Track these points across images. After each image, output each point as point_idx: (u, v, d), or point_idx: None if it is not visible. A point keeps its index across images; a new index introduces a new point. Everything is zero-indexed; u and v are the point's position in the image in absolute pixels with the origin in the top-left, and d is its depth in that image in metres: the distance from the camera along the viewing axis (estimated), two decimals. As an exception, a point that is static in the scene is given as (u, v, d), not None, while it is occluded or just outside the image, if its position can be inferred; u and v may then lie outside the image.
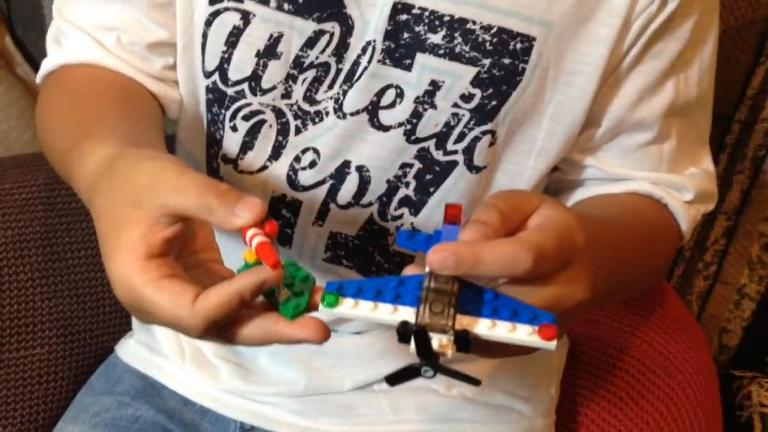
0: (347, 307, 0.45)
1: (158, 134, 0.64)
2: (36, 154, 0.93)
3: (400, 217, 0.70)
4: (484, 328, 0.43)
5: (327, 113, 0.67)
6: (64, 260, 0.85)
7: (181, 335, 0.75)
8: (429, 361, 0.43)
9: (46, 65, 0.72)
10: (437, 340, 0.42)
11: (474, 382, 0.46)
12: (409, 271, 0.48)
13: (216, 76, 0.67)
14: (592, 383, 0.86)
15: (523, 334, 0.43)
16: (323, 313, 0.45)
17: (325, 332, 0.46)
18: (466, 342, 0.42)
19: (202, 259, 0.53)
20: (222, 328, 0.48)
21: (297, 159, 0.68)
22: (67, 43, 0.71)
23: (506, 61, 0.63)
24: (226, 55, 0.66)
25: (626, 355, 0.87)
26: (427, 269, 0.45)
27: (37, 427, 0.81)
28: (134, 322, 0.82)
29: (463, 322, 0.43)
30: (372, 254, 0.70)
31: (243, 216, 0.46)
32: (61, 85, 0.70)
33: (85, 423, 0.75)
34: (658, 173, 0.72)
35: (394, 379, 0.44)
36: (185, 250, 0.52)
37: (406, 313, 0.44)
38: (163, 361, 0.77)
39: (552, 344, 0.43)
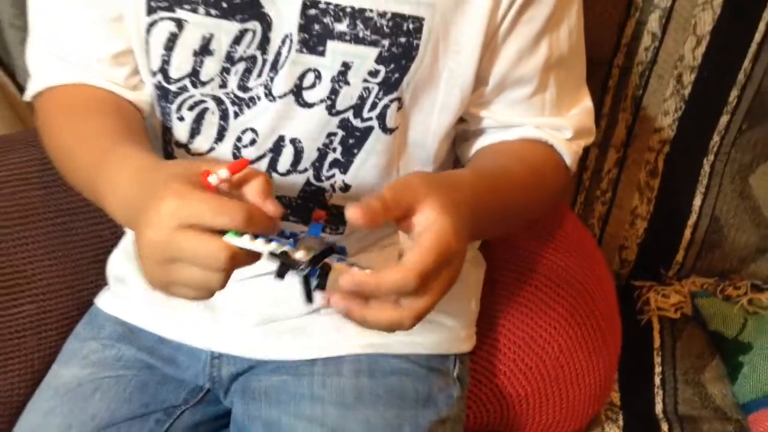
0: (246, 240, 0.54)
1: (147, 136, 0.71)
2: (10, 135, 0.93)
3: (332, 176, 0.74)
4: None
5: (259, 98, 0.71)
6: (42, 227, 0.87)
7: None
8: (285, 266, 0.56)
9: (35, 86, 0.75)
10: (299, 254, 0.55)
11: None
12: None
13: (159, 76, 0.71)
14: (506, 298, 0.92)
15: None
16: (229, 238, 0.54)
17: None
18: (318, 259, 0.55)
19: None
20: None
21: (239, 139, 0.73)
22: (48, 66, 0.74)
23: (402, 39, 0.69)
24: (166, 58, 0.71)
25: (534, 273, 0.93)
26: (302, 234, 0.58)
27: (33, 372, 0.84)
28: (110, 277, 0.86)
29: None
30: (313, 209, 0.73)
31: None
32: (56, 104, 0.73)
33: (76, 365, 0.80)
34: (541, 118, 0.76)
35: (279, 272, 0.56)
36: None
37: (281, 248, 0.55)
38: (138, 308, 0.81)
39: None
